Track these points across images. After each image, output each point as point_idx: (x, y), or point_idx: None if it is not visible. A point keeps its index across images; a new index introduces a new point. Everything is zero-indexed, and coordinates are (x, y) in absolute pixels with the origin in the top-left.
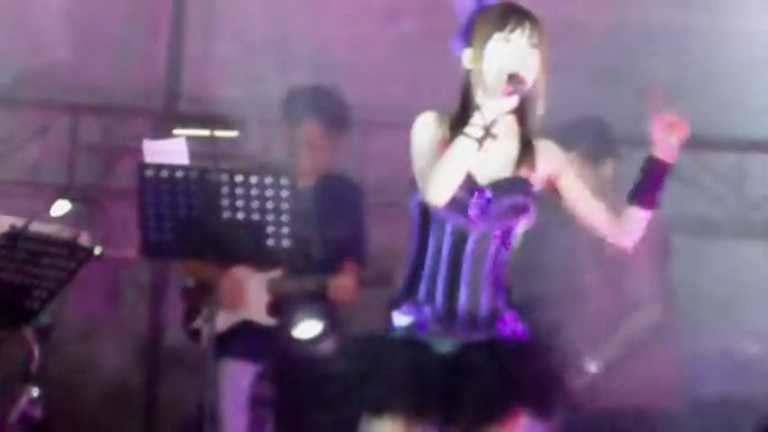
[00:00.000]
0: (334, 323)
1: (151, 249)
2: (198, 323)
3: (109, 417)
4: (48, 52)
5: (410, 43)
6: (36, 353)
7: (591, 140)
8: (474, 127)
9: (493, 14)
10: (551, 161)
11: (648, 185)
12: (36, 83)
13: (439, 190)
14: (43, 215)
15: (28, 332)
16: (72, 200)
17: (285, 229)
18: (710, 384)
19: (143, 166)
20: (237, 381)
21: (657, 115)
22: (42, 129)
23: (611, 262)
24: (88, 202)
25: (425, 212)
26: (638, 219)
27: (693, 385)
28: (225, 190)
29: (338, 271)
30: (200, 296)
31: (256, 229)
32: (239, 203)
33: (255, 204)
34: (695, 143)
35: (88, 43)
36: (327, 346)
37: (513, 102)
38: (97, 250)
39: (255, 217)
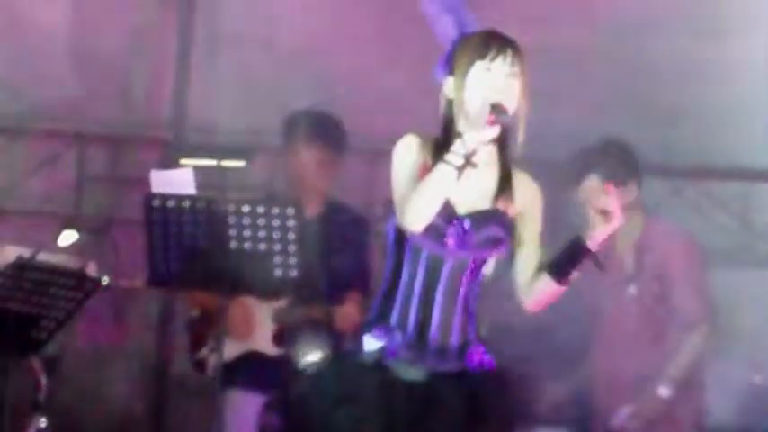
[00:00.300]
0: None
1: (158, 279)
2: (203, 353)
3: None
4: (55, 83)
5: (419, 73)
6: (43, 382)
7: (615, 162)
8: (454, 155)
9: (474, 42)
10: (526, 194)
11: (569, 263)
12: (43, 113)
13: (416, 216)
14: (51, 245)
15: (35, 362)
16: (79, 230)
17: (292, 260)
18: (717, 414)
19: (150, 197)
20: (244, 411)
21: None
22: (50, 159)
23: (652, 275)
24: (96, 232)
25: (401, 237)
26: (548, 290)
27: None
28: (232, 220)
29: (343, 301)
30: (206, 326)
31: (263, 259)
32: (246, 233)
33: (262, 234)
34: (700, 172)
35: (95, 74)
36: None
37: (495, 131)
38: (104, 280)
39: (262, 247)
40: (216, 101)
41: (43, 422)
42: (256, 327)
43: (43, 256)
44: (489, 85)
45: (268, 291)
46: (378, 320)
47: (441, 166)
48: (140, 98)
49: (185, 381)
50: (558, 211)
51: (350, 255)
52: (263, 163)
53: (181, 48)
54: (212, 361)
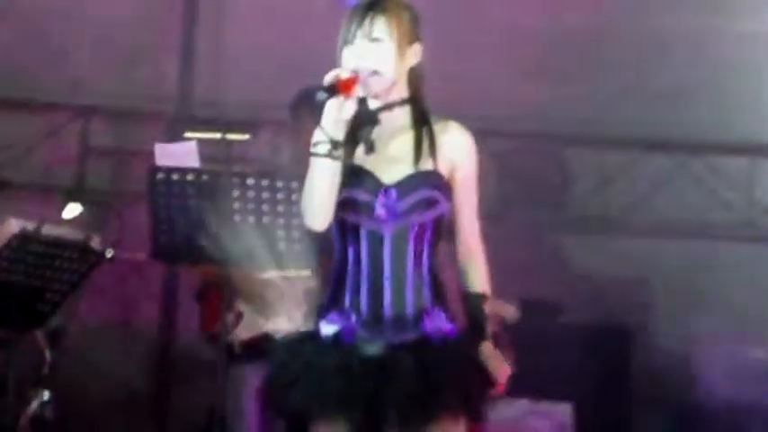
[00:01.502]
0: None
1: (162, 252)
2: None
3: (120, 419)
4: (59, 57)
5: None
6: (48, 356)
7: None
8: (318, 145)
9: (345, 20)
10: (454, 148)
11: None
12: (47, 86)
13: (312, 215)
14: (55, 218)
15: (39, 335)
16: (83, 203)
17: (296, 233)
18: (720, 388)
19: (154, 170)
20: (249, 383)
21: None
22: (53, 132)
23: None
24: (100, 205)
25: (341, 220)
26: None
27: (702, 387)
28: (236, 193)
29: None
30: (217, 300)
31: (267, 233)
32: (250, 206)
33: (266, 208)
34: (706, 147)
35: (100, 47)
36: None
37: (350, 104)
38: (109, 253)
39: (266, 220)
40: (221, 74)
41: (47, 395)
42: (285, 307)
43: (47, 229)
44: (350, 61)
45: (272, 264)
46: (331, 305)
47: (312, 161)
48: (145, 71)
49: (189, 354)
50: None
51: None
52: (267, 136)
53: (186, 21)
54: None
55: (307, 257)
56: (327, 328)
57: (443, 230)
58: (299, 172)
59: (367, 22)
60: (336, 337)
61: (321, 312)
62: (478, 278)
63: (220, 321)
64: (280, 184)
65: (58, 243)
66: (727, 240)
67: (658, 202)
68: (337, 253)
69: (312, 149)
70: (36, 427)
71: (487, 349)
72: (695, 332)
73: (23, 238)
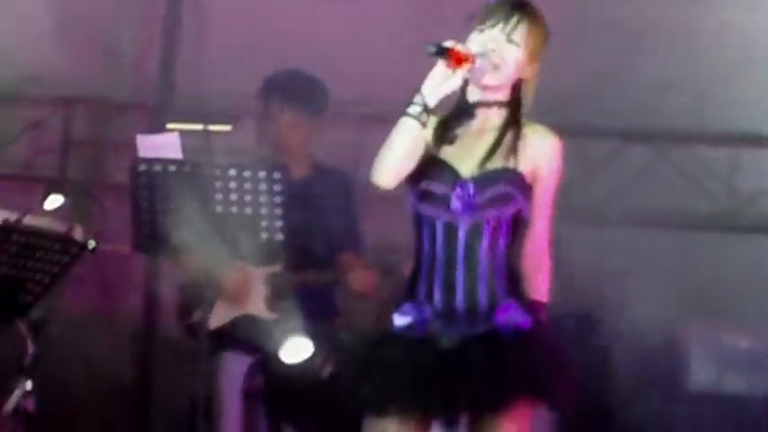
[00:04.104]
0: (329, 338)
1: (144, 244)
2: (196, 318)
3: (103, 409)
4: (41, 48)
5: (406, 37)
6: (30, 346)
7: None
8: (413, 106)
9: (484, 10)
10: (537, 148)
11: None
12: (29, 77)
13: (381, 170)
14: (37, 209)
15: (21, 326)
16: (65, 194)
17: (278, 223)
18: (703, 378)
19: (136, 161)
20: (231, 371)
21: None
22: (35, 123)
23: None
24: (82, 195)
25: (417, 213)
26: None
27: (683, 377)
28: (218, 184)
29: (337, 264)
30: (196, 291)
31: (250, 223)
32: (233, 197)
33: (249, 198)
34: (687, 137)
35: (82, 38)
36: (319, 367)
37: (455, 78)
38: (91, 244)
39: (249, 211)
40: (203, 65)
41: (29, 385)
42: (251, 292)
43: (29, 220)
44: (477, 45)
45: (255, 254)
46: (406, 296)
47: (402, 120)
48: (127, 62)
49: (171, 344)
50: None
51: (340, 216)
52: (249, 127)
53: (169, 12)
54: (205, 326)
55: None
56: (400, 320)
57: (522, 227)
58: (275, 159)
59: (512, 21)
60: (409, 328)
61: (395, 304)
62: (538, 288)
63: (196, 312)
64: (262, 174)
65: (40, 234)
66: (709, 230)
67: (640, 191)
68: (415, 243)
69: (406, 109)
70: (18, 417)
71: None
72: (677, 322)
73: (5, 229)
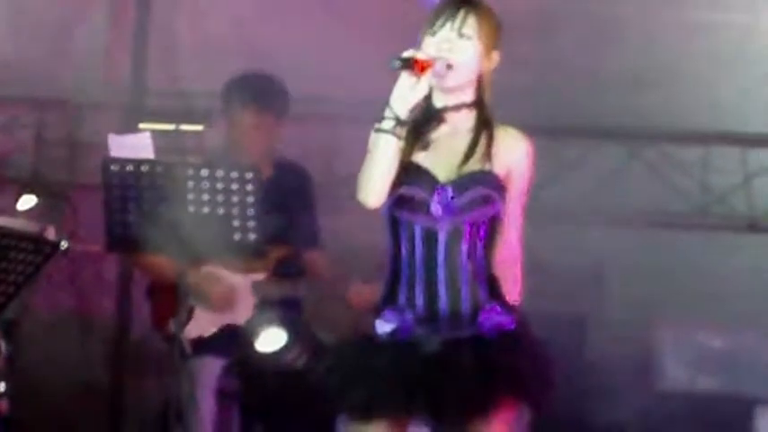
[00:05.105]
0: (303, 331)
1: (117, 244)
2: (173, 327)
3: (76, 410)
4: (12, 48)
5: (378, 40)
6: (2, 348)
7: None
8: (385, 121)
9: (434, 10)
10: (510, 151)
11: None
12: (1, 78)
13: (367, 190)
14: (9, 210)
15: None
16: (38, 194)
17: (251, 223)
18: (677, 377)
19: (109, 161)
20: (204, 373)
21: None
22: (7, 123)
23: None
24: (55, 196)
25: (393, 218)
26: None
27: (657, 376)
28: (191, 184)
29: (303, 263)
30: (170, 297)
31: (222, 223)
32: (205, 197)
33: (221, 198)
34: (659, 136)
35: (53, 37)
36: (294, 358)
37: (421, 86)
38: (63, 245)
39: (221, 211)
40: (174, 65)
41: (2, 387)
42: (239, 302)
43: (1, 221)
44: (432, 48)
45: (227, 255)
46: (387, 302)
47: (375, 136)
48: (98, 62)
49: (144, 346)
50: None
51: (306, 213)
52: (221, 127)
53: (139, 11)
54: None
55: (261, 248)
56: (383, 327)
57: (498, 228)
58: (237, 160)
59: (460, 16)
60: (392, 334)
61: (376, 311)
62: (510, 291)
63: (173, 319)
64: (234, 174)
65: (12, 234)
66: (682, 228)
67: (612, 190)
68: (390, 249)
69: (377, 125)
70: None
71: None
72: (651, 321)
73: None
